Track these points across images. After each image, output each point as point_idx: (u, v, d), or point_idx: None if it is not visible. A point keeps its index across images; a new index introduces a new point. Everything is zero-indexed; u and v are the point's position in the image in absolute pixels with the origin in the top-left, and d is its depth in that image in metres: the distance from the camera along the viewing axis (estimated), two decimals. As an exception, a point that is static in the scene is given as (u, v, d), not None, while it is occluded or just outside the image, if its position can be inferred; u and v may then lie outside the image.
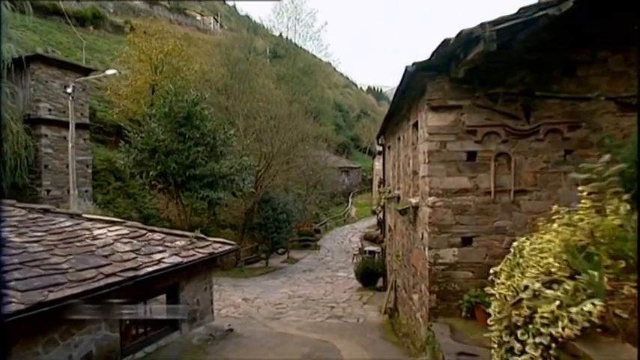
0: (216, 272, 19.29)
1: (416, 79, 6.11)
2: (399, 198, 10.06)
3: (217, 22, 55.82)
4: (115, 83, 24.40)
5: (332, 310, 11.68)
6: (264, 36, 52.50)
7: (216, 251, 7.96)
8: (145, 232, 7.79)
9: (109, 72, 16.85)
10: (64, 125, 18.94)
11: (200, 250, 7.86)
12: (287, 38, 43.98)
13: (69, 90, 14.48)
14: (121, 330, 6.06)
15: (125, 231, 7.47)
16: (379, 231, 22.51)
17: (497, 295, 2.90)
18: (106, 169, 23.45)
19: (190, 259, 7.30)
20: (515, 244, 3.20)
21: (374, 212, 32.50)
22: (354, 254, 22.52)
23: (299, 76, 33.77)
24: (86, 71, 20.55)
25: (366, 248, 22.97)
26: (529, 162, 5.81)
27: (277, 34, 44.50)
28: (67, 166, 19.34)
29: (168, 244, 7.61)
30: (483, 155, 5.92)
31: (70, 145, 14.58)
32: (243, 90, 24.78)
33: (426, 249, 6.09)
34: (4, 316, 3.60)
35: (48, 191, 18.28)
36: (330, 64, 63.47)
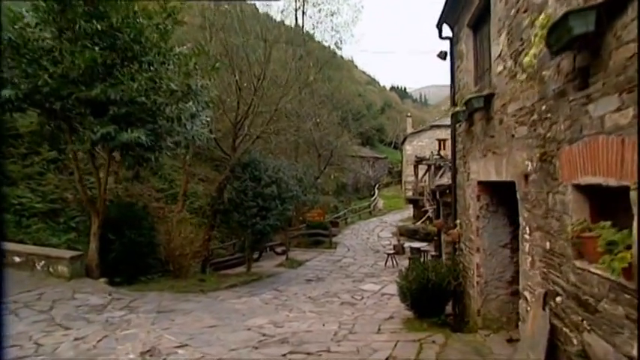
0: (153, 282, 11.62)
1: None
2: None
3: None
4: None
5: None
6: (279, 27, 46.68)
7: None
8: None
9: None
10: None
11: None
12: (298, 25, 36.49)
13: None
14: None
15: None
16: (430, 215, 14.76)
17: None
18: (38, 134, 16.72)
19: None
20: None
21: (410, 201, 26.15)
22: (388, 254, 14.86)
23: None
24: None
25: (407, 245, 15.32)
26: None
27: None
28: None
29: None
30: None
31: None
32: (226, 26, 17.28)
33: None
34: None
35: None
36: (351, 61, 58.30)
